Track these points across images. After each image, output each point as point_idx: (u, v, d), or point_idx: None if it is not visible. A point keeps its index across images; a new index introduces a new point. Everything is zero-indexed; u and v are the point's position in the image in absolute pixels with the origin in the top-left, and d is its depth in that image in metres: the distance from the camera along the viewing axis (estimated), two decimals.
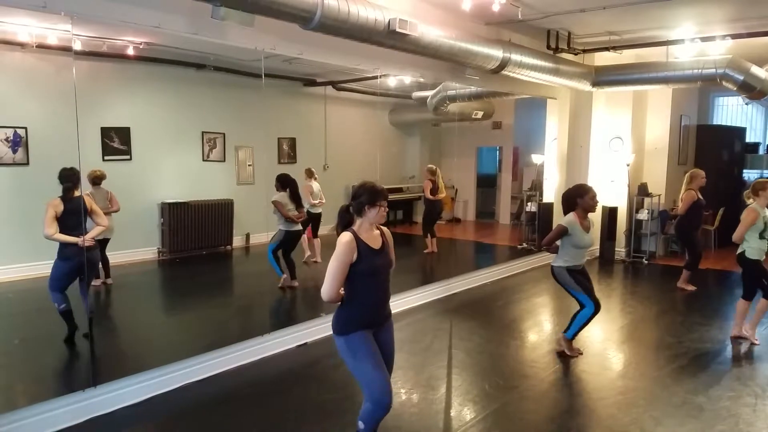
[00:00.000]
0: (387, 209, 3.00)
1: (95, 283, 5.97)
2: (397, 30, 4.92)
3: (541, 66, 6.98)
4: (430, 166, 9.03)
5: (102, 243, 5.79)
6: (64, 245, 4.44)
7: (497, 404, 4.05)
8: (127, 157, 6.99)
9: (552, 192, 9.32)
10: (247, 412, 3.88)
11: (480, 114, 10.46)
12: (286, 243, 6.48)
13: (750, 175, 11.83)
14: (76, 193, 4.48)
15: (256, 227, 8.04)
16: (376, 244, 2.99)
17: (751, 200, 5.28)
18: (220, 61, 7.15)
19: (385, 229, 3.13)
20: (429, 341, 5.33)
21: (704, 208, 7.39)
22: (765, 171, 11.82)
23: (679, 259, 9.05)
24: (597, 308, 4.87)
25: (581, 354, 4.98)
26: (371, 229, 3.01)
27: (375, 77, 6.49)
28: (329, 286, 2.86)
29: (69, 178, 4.46)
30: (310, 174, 7.48)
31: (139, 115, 7.25)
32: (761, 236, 5.18)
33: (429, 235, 8.84)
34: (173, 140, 7.77)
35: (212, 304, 6.39)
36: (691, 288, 7.33)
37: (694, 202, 7.11)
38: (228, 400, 4.08)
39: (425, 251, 8.79)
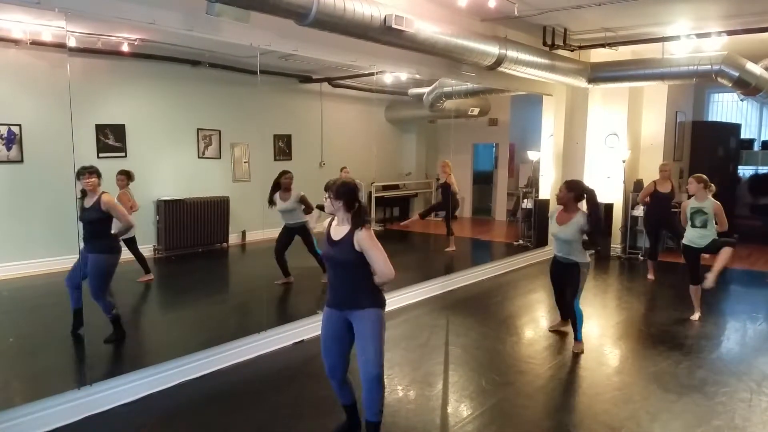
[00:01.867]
0: (328, 199, 3.23)
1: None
2: (393, 26, 4.91)
3: (537, 62, 6.97)
4: (447, 161, 8.92)
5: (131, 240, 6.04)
6: (115, 238, 4.53)
7: (494, 400, 4.05)
8: (122, 154, 6.95)
9: (548, 189, 9.33)
10: (243, 410, 3.88)
11: (476, 111, 10.45)
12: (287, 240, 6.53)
13: (745, 171, 11.88)
14: None
15: (252, 224, 8.02)
16: (336, 235, 3.24)
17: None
18: (215, 57, 7.11)
19: (361, 231, 3.15)
20: (426, 338, 5.33)
21: (667, 200, 7.52)
22: (760, 167, 11.87)
23: (675, 255, 9.08)
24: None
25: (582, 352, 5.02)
26: (341, 222, 3.25)
27: (371, 74, 6.47)
28: None
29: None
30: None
31: (134, 112, 7.21)
32: (692, 225, 5.74)
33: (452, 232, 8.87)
34: (168, 137, 7.74)
35: (208, 301, 6.38)
36: (650, 277, 7.77)
37: (650, 193, 7.55)
38: (224, 397, 4.08)
39: (447, 250, 8.80)
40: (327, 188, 3.25)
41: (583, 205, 4.94)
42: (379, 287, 3.28)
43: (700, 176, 5.83)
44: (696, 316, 5.92)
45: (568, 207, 4.90)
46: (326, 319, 3.36)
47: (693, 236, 5.75)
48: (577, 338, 5.07)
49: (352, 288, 3.25)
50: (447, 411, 3.91)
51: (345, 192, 3.19)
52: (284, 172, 6.47)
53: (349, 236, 3.17)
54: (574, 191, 4.86)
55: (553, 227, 5.00)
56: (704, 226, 5.65)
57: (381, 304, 3.30)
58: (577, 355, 4.94)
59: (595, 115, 9.34)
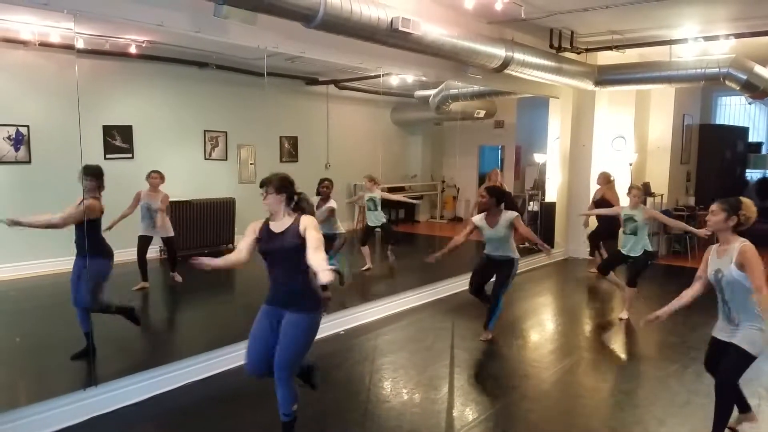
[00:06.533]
0: (264, 196, 3.28)
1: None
2: (400, 28, 4.91)
3: (544, 65, 6.96)
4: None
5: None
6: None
7: (499, 404, 4.04)
8: (129, 155, 6.97)
9: (554, 191, 9.30)
10: (248, 412, 3.88)
11: (482, 113, 10.44)
12: None
13: (752, 174, 11.81)
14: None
15: None
16: (278, 228, 3.23)
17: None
18: (222, 59, 7.12)
19: (304, 217, 3.23)
20: (431, 341, 5.32)
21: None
22: (767, 171, 11.80)
23: (683, 260, 9.05)
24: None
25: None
26: (281, 217, 3.27)
27: (377, 76, 6.48)
28: None
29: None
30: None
31: (141, 113, 7.23)
32: (624, 231, 5.96)
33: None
34: (175, 139, 7.76)
35: (213, 303, 6.39)
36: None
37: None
38: (229, 399, 4.07)
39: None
40: (264, 183, 3.26)
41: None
42: (316, 289, 3.21)
43: (635, 185, 6.22)
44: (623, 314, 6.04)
45: (492, 211, 5.14)
46: (260, 315, 3.32)
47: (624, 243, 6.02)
48: (489, 327, 5.31)
49: (287, 279, 3.22)
50: (452, 415, 3.90)
51: (287, 185, 3.26)
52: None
53: (295, 223, 3.17)
54: (494, 196, 5.16)
55: (487, 232, 5.18)
56: (633, 233, 5.83)
57: (318, 307, 3.27)
58: (487, 342, 5.23)
59: (602, 117, 9.30)
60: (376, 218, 7.43)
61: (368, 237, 7.55)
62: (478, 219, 5.25)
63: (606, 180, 8.08)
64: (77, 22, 3.71)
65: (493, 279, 5.42)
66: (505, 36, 6.77)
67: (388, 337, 5.43)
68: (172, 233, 6.32)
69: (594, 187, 9.16)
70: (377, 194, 7.46)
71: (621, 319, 5.97)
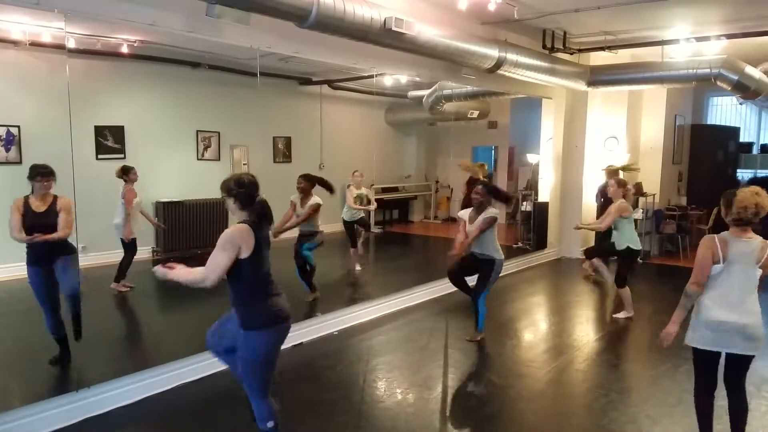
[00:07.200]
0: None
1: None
2: (393, 29, 4.91)
3: (537, 65, 6.98)
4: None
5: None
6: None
7: (494, 404, 4.04)
8: (121, 155, 6.93)
9: (547, 192, 9.33)
10: (242, 413, 3.85)
11: (476, 113, 10.45)
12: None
13: (744, 174, 11.89)
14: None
15: None
16: None
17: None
18: (215, 59, 7.10)
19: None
20: (425, 341, 5.32)
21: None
22: (759, 171, 11.87)
23: (675, 258, 9.10)
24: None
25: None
26: None
27: (371, 76, 6.47)
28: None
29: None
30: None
31: (134, 113, 7.19)
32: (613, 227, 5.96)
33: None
34: (168, 139, 7.72)
35: (207, 303, 6.34)
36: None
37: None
38: (223, 400, 4.06)
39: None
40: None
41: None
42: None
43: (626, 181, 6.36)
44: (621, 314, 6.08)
45: (479, 208, 5.13)
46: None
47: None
48: (479, 329, 5.26)
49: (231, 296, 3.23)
50: (446, 415, 3.90)
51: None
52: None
53: None
54: (491, 193, 5.18)
55: (468, 228, 5.15)
56: (615, 227, 5.94)
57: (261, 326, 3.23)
58: (479, 342, 5.22)
59: (595, 118, 9.34)
60: (353, 214, 7.32)
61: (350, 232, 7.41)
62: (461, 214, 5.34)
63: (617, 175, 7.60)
64: (68, 22, 3.69)
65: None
66: (498, 37, 6.78)
67: (382, 337, 5.43)
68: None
69: (589, 188, 9.19)
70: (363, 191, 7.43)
71: (618, 319, 6.00)
